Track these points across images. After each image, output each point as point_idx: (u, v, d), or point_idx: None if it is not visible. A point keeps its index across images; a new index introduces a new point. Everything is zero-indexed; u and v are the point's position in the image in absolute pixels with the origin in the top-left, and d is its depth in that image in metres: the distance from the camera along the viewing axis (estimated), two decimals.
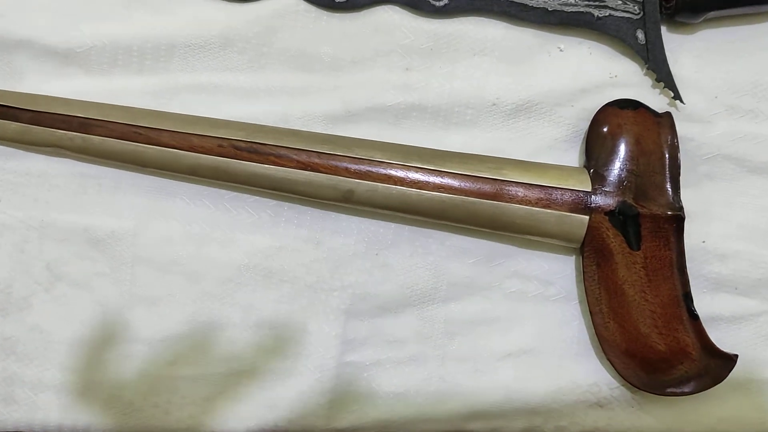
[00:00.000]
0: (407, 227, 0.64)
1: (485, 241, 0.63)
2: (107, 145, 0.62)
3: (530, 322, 0.63)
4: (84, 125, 0.62)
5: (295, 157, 0.60)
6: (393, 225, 0.64)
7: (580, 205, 0.59)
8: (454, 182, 0.59)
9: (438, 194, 0.59)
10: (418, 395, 0.62)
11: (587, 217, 0.58)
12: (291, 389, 0.62)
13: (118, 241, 0.64)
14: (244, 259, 0.63)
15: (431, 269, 0.63)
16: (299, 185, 0.60)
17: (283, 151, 0.60)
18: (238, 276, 0.63)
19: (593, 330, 0.60)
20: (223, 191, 0.64)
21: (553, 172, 0.60)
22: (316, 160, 0.60)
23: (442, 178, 0.60)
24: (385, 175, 0.60)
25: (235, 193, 0.64)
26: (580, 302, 0.63)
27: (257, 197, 0.64)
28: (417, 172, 0.60)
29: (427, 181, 0.60)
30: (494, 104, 0.64)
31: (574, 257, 0.63)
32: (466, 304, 0.63)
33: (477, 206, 0.59)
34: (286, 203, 0.64)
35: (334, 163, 0.60)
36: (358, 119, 0.64)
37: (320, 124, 0.64)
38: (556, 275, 0.63)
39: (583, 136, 0.63)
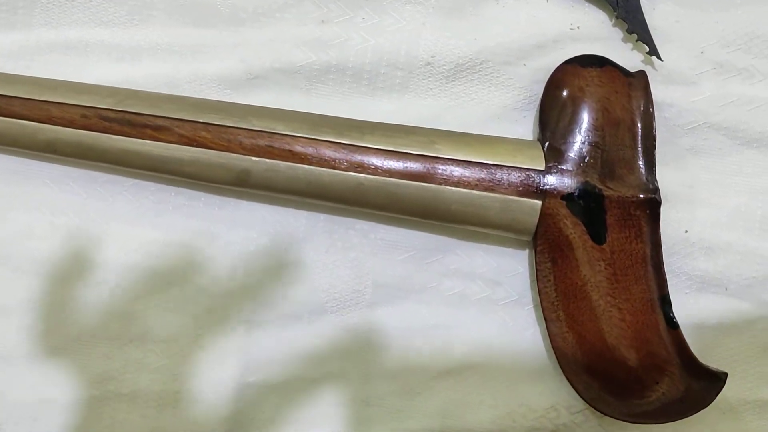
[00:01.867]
0: (322, 216, 0.52)
1: (418, 232, 0.52)
2: None
3: (474, 331, 0.51)
4: None
5: (177, 129, 0.48)
6: (305, 213, 0.52)
7: (531, 188, 0.47)
8: (375, 160, 0.48)
9: (354, 174, 0.48)
10: (337, 422, 0.51)
11: (539, 202, 0.47)
12: (180, 417, 0.51)
13: None
14: (122, 257, 0.51)
15: (353, 268, 0.52)
16: (183, 165, 0.49)
17: (161, 122, 0.48)
18: (114, 278, 0.51)
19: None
20: (96, 173, 0.52)
21: (498, 146, 0.48)
22: (204, 134, 0.48)
23: (359, 155, 0.48)
24: (289, 151, 0.48)
25: (111, 176, 0.52)
26: (536, 307, 0.51)
27: (137, 180, 0.52)
28: (329, 147, 0.48)
29: (341, 159, 0.48)
30: (429, 64, 0.52)
31: (527, 252, 0.52)
32: (396, 309, 0.52)
33: (403, 190, 0.48)
34: (173, 188, 0.52)
35: (225, 136, 0.48)
36: (262, 83, 0.53)
37: (215, 90, 0.53)
38: (505, 274, 0.52)
39: (537, 102, 0.51)
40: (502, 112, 0.52)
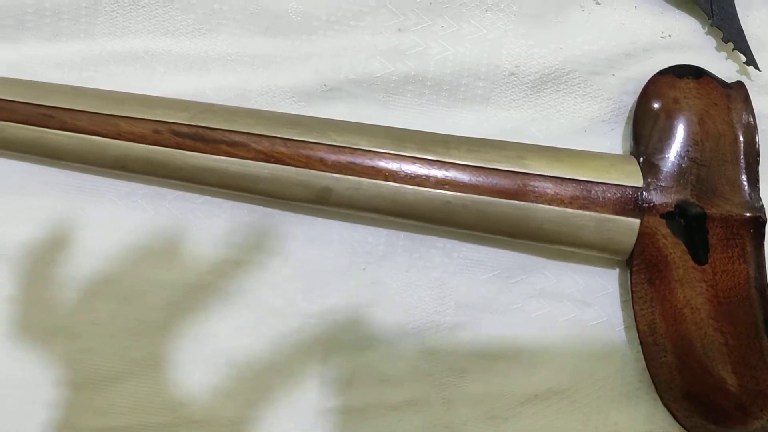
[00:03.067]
0: (403, 234, 0.50)
1: (503, 251, 0.50)
2: (9, 131, 0.47)
3: (562, 353, 0.49)
4: None
5: (253, 145, 0.46)
6: (384, 231, 0.50)
7: (629, 205, 0.45)
8: (463, 176, 0.45)
9: (441, 192, 0.45)
10: None
11: (638, 221, 0.45)
12: None
13: (29, 255, 0.49)
14: (192, 278, 0.49)
15: (435, 288, 0.49)
16: (260, 182, 0.46)
17: (237, 138, 0.46)
18: (184, 299, 0.49)
19: (644, 365, 0.46)
20: (165, 190, 0.50)
21: (592, 161, 0.46)
22: (282, 149, 0.46)
23: (446, 170, 0.45)
24: (372, 167, 0.46)
25: (180, 192, 0.50)
26: (627, 329, 0.49)
27: (209, 197, 0.50)
28: (414, 163, 0.46)
29: (427, 176, 0.45)
30: (513, 74, 0.50)
31: (618, 271, 0.49)
32: (480, 331, 0.49)
33: (493, 208, 0.45)
34: (246, 204, 0.50)
35: (305, 152, 0.46)
36: (338, 95, 0.50)
37: (289, 102, 0.50)
38: (594, 294, 0.49)
39: (628, 114, 0.49)
40: (589, 125, 0.50)
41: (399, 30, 0.50)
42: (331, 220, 0.50)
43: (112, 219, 0.50)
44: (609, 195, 0.45)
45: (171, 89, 0.50)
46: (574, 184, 0.45)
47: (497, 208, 0.45)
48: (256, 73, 0.50)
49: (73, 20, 0.50)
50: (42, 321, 0.49)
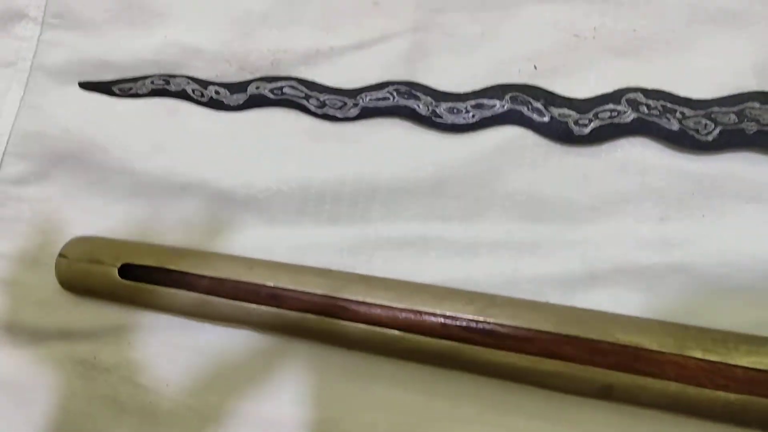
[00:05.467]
0: (668, 418, 0.51)
1: None
2: (303, 322, 0.50)
3: None
4: (274, 296, 0.50)
5: (539, 342, 0.48)
6: (647, 416, 0.51)
7: None
8: (744, 378, 0.47)
9: (723, 394, 0.47)
10: None
11: None
12: None
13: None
14: None
15: None
16: (543, 377, 0.49)
17: (524, 334, 0.48)
18: None
19: None
20: (439, 372, 0.52)
21: None
22: (566, 348, 0.48)
23: (728, 372, 0.47)
24: (658, 369, 0.47)
25: (455, 373, 0.52)
26: None
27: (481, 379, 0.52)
28: (696, 364, 0.47)
29: (709, 377, 0.47)
30: None
31: None
32: None
33: None
34: (516, 387, 0.52)
35: (588, 350, 0.48)
36: (603, 283, 0.52)
37: (556, 290, 0.52)
38: None
39: None
40: None
41: (661, 219, 0.52)
42: (597, 402, 0.51)
43: (387, 401, 0.52)
44: None
45: (442, 274, 0.52)
46: None
47: None
48: (523, 259, 0.52)
49: (351, 206, 0.53)
50: None
